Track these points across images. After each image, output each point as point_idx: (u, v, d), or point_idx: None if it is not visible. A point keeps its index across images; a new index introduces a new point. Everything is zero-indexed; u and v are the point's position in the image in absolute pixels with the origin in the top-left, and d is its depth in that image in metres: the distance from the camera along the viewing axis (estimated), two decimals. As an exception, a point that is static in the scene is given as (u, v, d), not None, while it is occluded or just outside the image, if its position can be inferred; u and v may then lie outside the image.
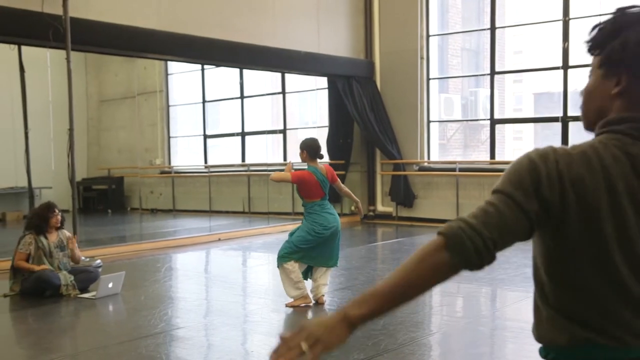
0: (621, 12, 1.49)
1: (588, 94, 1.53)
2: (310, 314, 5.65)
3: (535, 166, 1.38)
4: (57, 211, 6.60)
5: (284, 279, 5.78)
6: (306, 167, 5.98)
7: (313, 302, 5.82)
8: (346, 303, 1.42)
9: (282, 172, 5.99)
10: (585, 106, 1.54)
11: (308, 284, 5.92)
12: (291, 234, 5.90)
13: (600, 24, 1.50)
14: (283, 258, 5.76)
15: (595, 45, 1.50)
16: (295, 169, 6.02)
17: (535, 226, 1.39)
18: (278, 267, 5.82)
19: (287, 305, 5.77)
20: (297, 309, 5.73)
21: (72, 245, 6.70)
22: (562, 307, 1.43)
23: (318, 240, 5.76)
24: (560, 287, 1.43)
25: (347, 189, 6.43)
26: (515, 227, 1.37)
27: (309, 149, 5.95)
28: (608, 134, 1.44)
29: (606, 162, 1.38)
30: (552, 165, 1.38)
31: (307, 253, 5.78)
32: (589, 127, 1.53)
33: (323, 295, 5.89)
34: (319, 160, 6.01)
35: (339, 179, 6.17)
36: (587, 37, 1.51)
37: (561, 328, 1.43)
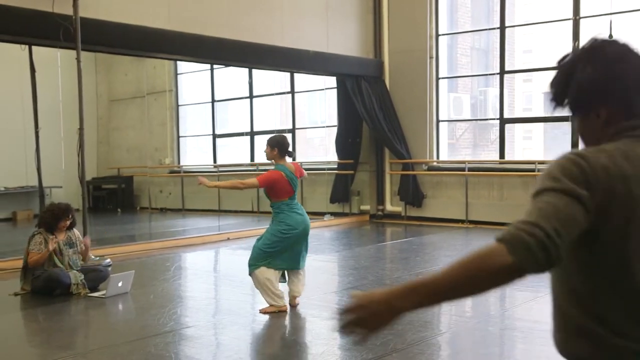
0: (562, 62, 1.56)
1: (583, 137, 1.59)
2: (290, 314, 5.64)
3: (576, 161, 1.39)
4: (70, 216, 6.64)
5: (258, 287, 5.59)
6: (273, 166, 5.73)
7: (288, 306, 5.67)
8: (393, 287, 1.40)
9: (246, 180, 5.76)
10: (586, 146, 1.59)
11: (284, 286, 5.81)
12: (258, 240, 5.69)
13: (552, 80, 1.57)
14: (252, 266, 5.58)
15: (560, 100, 1.56)
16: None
17: (590, 209, 1.36)
18: (250, 275, 5.64)
19: (260, 311, 5.58)
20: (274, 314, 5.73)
21: (87, 247, 6.76)
22: (598, 313, 1.42)
23: (284, 241, 5.53)
24: (598, 291, 1.42)
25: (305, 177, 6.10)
26: (572, 212, 1.34)
27: (280, 146, 5.66)
28: (624, 139, 1.46)
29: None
30: (592, 160, 1.40)
31: (274, 258, 5.54)
32: None
33: (295, 299, 5.72)
34: (288, 159, 5.75)
35: (305, 173, 5.92)
36: (550, 97, 1.58)
37: (594, 337, 1.42)
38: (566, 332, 1.48)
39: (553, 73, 1.59)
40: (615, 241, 1.39)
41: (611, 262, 1.40)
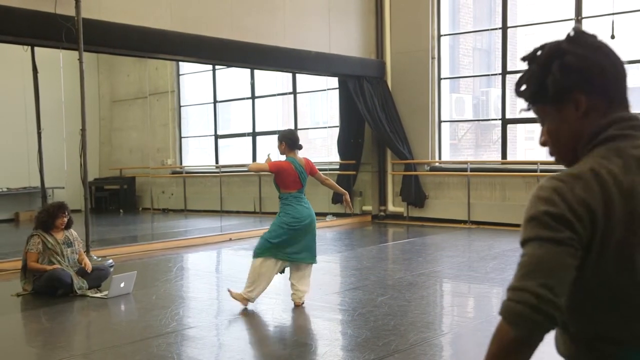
0: (534, 54, 1.50)
1: (553, 136, 1.52)
2: (292, 314, 5.64)
3: (557, 197, 1.35)
4: (66, 213, 6.64)
5: (251, 274, 5.72)
6: (285, 158, 5.89)
7: (250, 305, 5.76)
8: None
9: (260, 163, 5.91)
10: (557, 148, 1.53)
11: (280, 279, 5.92)
12: (265, 233, 5.83)
13: (523, 76, 1.51)
14: (255, 254, 5.74)
15: (535, 93, 1.49)
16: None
17: (579, 247, 1.34)
18: (253, 258, 5.80)
19: (228, 290, 5.81)
20: (299, 309, 5.73)
21: (82, 257, 6.77)
22: (595, 323, 1.42)
23: (290, 233, 5.66)
24: (595, 301, 1.41)
25: (330, 180, 6.14)
26: (559, 259, 1.32)
27: (288, 140, 5.84)
28: (606, 145, 1.42)
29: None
30: (568, 194, 1.35)
31: (280, 249, 5.67)
32: (571, 163, 1.50)
33: (300, 298, 5.79)
34: (298, 153, 5.88)
35: (319, 171, 6.00)
36: (522, 90, 1.51)
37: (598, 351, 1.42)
38: (570, 345, 1.48)
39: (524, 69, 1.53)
40: (614, 260, 1.37)
41: (612, 278, 1.38)
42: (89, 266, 6.60)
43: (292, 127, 13.44)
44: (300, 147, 5.89)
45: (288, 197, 5.77)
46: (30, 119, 11.11)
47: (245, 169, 14.76)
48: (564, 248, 1.32)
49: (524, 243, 1.37)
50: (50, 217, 6.56)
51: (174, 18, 9.28)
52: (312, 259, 5.85)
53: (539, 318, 1.29)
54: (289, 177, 5.74)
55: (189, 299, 6.54)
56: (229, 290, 5.85)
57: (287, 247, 5.70)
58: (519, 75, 1.54)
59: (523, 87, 1.52)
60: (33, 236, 6.52)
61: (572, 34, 1.48)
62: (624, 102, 1.47)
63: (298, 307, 5.78)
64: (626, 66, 1.48)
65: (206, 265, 9.18)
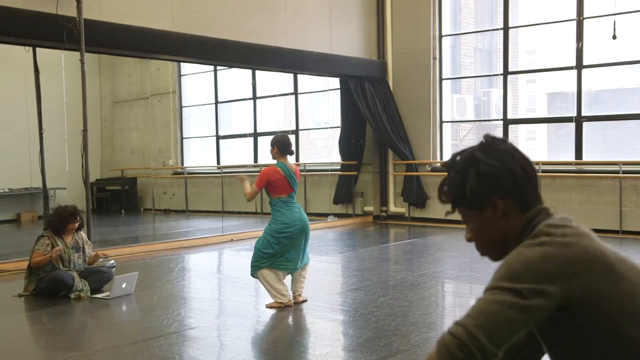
0: (453, 161, 1.66)
1: (477, 234, 1.68)
2: (293, 315, 5.64)
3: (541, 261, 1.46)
4: (79, 219, 6.65)
5: (264, 285, 5.76)
6: (275, 162, 5.88)
7: (293, 302, 5.79)
8: None
9: (250, 190, 5.84)
10: (482, 244, 1.68)
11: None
12: (258, 241, 5.81)
13: (443, 182, 1.68)
14: (253, 268, 5.72)
15: (456, 198, 1.66)
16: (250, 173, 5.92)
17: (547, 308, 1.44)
18: (252, 276, 5.82)
19: (266, 306, 5.77)
20: (279, 310, 5.74)
21: (92, 252, 6.79)
22: None
23: (282, 241, 5.64)
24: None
25: None
26: (513, 316, 1.42)
27: (280, 144, 5.83)
28: (544, 231, 1.53)
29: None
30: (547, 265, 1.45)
31: (275, 259, 5.66)
32: (498, 257, 1.65)
33: (300, 295, 5.85)
34: (289, 158, 5.89)
35: (299, 177, 6.00)
36: (443, 198, 1.68)
37: None
38: None
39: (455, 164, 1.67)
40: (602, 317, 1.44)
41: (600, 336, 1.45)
42: (94, 255, 6.67)
43: (286, 132, 13.46)
44: (291, 153, 5.88)
45: (277, 203, 5.76)
46: (31, 119, 11.12)
47: (248, 169, 14.85)
48: (529, 311, 1.43)
49: (487, 290, 1.50)
50: (62, 222, 6.56)
51: (175, 19, 9.29)
52: (303, 264, 5.85)
53: (461, 355, 1.41)
54: (279, 182, 5.73)
55: (191, 299, 6.55)
56: (267, 306, 5.79)
57: (284, 254, 5.70)
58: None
59: (445, 192, 1.68)
60: (43, 237, 6.53)
61: (483, 141, 1.64)
62: (537, 198, 1.62)
63: (298, 305, 5.80)
64: (534, 167, 1.64)
65: (208, 265, 9.19)
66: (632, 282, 1.46)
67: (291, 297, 5.81)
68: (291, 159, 5.99)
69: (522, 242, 1.55)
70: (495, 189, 1.59)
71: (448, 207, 1.67)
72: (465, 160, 1.62)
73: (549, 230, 1.51)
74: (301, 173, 13.57)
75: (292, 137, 14.34)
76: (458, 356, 1.39)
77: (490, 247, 1.67)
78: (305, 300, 5.91)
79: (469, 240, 1.70)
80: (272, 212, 5.78)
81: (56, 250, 6.37)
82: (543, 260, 1.43)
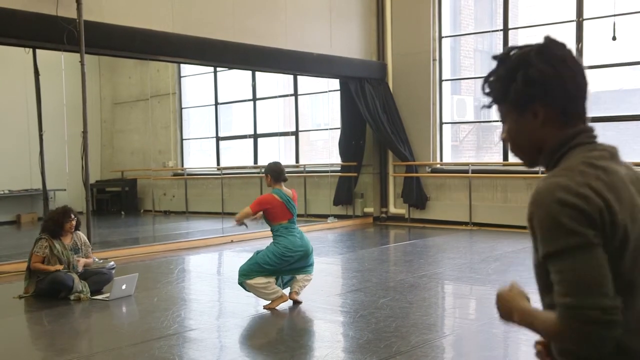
0: (506, 56, 1.58)
1: (514, 137, 1.60)
2: (293, 316, 5.64)
3: (572, 203, 1.38)
4: (73, 216, 6.64)
5: (255, 292, 5.75)
6: (271, 190, 5.93)
7: (288, 298, 5.81)
8: (521, 303, 1.55)
9: (244, 210, 5.87)
10: (519, 148, 1.62)
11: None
12: (257, 253, 5.81)
13: (490, 75, 1.59)
14: (244, 276, 5.69)
15: (499, 95, 1.58)
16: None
17: (601, 244, 1.38)
18: (239, 284, 5.77)
19: (264, 308, 5.75)
20: (275, 311, 5.73)
21: (88, 254, 6.78)
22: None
23: (283, 263, 5.70)
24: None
25: None
26: (600, 263, 1.35)
27: (272, 172, 5.91)
28: (573, 153, 1.49)
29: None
30: (581, 189, 1.39)
31: (271, 272, 5.69)
32: (530, 164, 1.61)
33: (296, 293, 5.84)
34: (284, 185, 5.92)
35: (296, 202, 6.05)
36: (486, 90, 1.60)
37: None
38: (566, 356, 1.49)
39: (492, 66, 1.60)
40: (619, 256, 1.40)
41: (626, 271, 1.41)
42: (81, 263, 6.59)
43: (286, 133, 13.48)
44: (285, 180, 5.93)
45: (279, 229, 5.79)
46: (31, 121, 11.14)
47: (248, 171, 14.86)
48: (596, 249, 1.36)
49: (554, 255, 1.39)
50: (58, 224, 6.55)
51: (175, 20, 9.29)
52: (305, 273, 5.87)
53: (611, 332, 1.33)
54: (276, 209, 5.76)
55: (191, 301, 6.54)
56: (265, 307, 5.78)
57: (280, 271, 5.74)
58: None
59: (489, 86, 1.59)
60: (41, 239, 6.52)
61: (542, 43, 1.55)
62: (582, 116, 1.55)
63: (296, 305, 5.81)
64: (588, 78, 1.56)
65: (208, 267, 9.18)
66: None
67: (286, 293, 5.82)
68: (287, 185, 6.01)
69: (557, 164, 1.50)
70: (540, 95, 1.51)
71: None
72: (518, 59, 1.54)
73: (583, 168, 1.43)
74: (301, 174, 13.65)
75: (292, 139, 14.48)
76: (596, 334, 1.32)
77: (523, 153, 1.61)
78: (300, 302, 5.88)
79: (504, 140, 1.64)
80: (274, 237, 5.83)
81: (57, 267, 6.38)
82: (572, 208, 1.37)
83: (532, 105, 1.53)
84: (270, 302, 5.76)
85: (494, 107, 1.61)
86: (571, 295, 1.34)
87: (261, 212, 5.81)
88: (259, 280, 5.68)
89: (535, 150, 1.57)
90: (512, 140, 1.61)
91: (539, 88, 1.51)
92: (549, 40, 1.55)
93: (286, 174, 5.99)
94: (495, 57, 1.59)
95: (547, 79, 1.50)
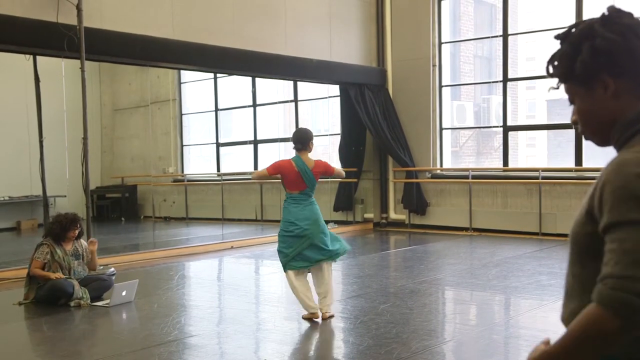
0: (567, 33, 1.52)
1: (582, 116, 1.53)
2: (294, 323, 5.63)
3: None
4: (79, 226, 6.66)
5: (291, 289, 5.63)
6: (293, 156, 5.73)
7: (320, 315, 5.56)
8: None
9: (260, 170, 5.77)
10: (589, 127, 1.54)
11: (278, 286, 5.83)
12: None
13: (555, 53, 1.53)
14: (284, 266, 5.63)
15: (565, 72, 1.51)
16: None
17: None
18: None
19: (303, 317, 5.64)
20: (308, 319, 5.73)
21: (93, 248, 6.76)
22: None
23: (290, 240, 5.46)
24: None
25: (338, 169, 6.00)
26: None
27: (293, 139, 5.68)
28: None
29: None
30: None
31: (290, 258, 5.50)
32: (604, 142, 1.52)
33: (327, 312, 5.58)
34: (308, 153, 5.63)
35: (335, 169, 5.81)
36: (552, 70, 1.54)
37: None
38: None
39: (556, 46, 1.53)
40: None
41: None
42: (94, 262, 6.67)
43: (286, 139, 13.35)
44: (307, 148, 5.63)
45: (287, 199, 5.63)
46: (32, 127, 11.14)
47: (248, 177, 14.85)
48: None
49: (618, 225, 1.33)
50: (63, 230, 6.56)
51: (175, 26, 9.31)
52: (330, 257, 5.63)
53: None
54: (289, 176, 5.55)
55: (191, 307, 6.54)
56: (303, 317, 5.63)
57: (292, 258, 5.52)
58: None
59: (554, 66, 1.53)
60: (43, 244, 6.53)
61: (606, 13, 1.48)
62: None
63: (325, 320, 5.55)
64: None
65: (208, 273, 9.17)
66: None
67: (318, 310, 5.55)
68: (313, 155, 5.74)
69: (632, 137, 1.43)
70: (609, 66, 1.43)
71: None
72: (582, 31, 1.47)
73: None
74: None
75: (291, 146, 14.45)
76: (637, 306, 1.26)
77: (596, 131, 1.52)
78: (332, 316, 5.65)
79: (574, 122, 1.55)
80: (283, 209, 5.63)
81: (57, 275, 6.38)
82: None
83: (601, 77, 1.45)
84: (307, 312, 5.58)
85: (561, 88, 1.54)
86: (621, 264, 1.29)
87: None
88: (290, 279, 5.52)
89: (607, 127, 1.49)
90: (583, 118, 1.53)
91: (607, 58, 1.44)
92: (613, 10, 1.48)
93: (311, 142, 5.63)
94: (557, 37, 1.54)
95: (614, 48, 1.43)
